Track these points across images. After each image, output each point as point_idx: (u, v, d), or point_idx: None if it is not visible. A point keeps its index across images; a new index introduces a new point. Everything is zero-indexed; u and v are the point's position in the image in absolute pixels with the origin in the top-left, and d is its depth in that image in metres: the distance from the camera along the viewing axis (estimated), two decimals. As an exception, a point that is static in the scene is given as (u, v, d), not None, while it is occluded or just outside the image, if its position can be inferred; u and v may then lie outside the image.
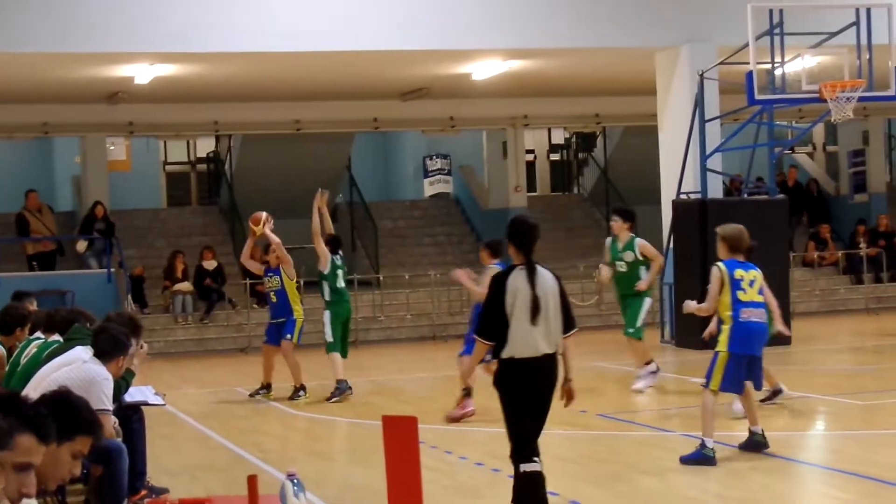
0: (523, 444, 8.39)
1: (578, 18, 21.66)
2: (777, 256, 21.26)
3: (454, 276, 14.23)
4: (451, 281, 14.05)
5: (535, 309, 8.31)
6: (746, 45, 19.47)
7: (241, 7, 20.31)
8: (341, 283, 16.76)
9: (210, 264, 25.52)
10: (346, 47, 20.93)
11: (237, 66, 22.47)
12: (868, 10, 19.78)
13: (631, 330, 16.07)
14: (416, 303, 25.80)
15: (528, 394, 8.41)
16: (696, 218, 21.00)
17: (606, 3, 21.81)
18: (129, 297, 24.43)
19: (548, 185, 35.46)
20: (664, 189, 22.82)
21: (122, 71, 22.18)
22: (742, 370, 11.19)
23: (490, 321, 8.43)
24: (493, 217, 30.29)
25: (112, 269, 24.94)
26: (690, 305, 11.98)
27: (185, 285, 25.18)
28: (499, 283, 8.43)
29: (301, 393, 16.62)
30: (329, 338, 16.53)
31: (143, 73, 22.24)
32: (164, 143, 32.49)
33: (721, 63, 21.15)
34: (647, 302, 16.16)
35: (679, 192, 21.84)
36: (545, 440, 12.56)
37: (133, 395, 10.09)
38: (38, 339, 10.43)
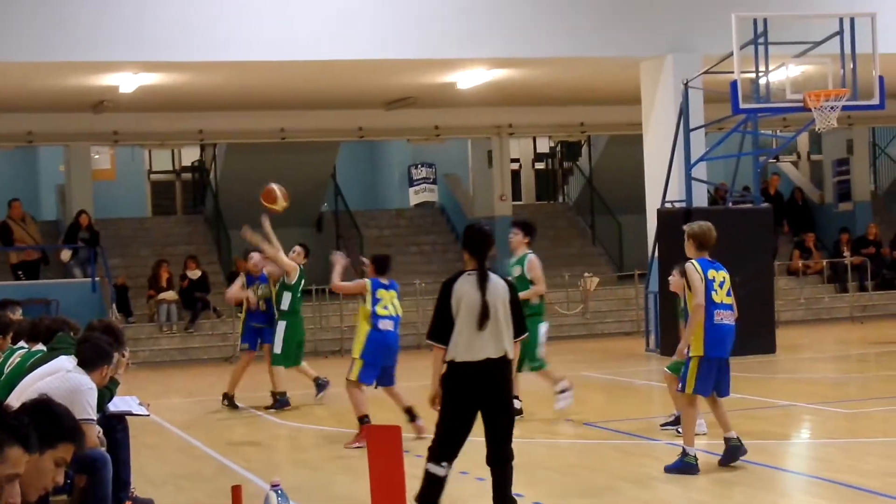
0: (440, 445, 8.42)
1: (563, 28, 21.69)
2: (762, 265, 21.33)
3: (333, 258, 14.12)
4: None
5: (484, 315, 8.36)
6: (731, 54, 19.51)
7: (226, 16, 20.29)
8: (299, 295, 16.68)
9: (194, 273, 25.48)
10: (331, 57, 20.94)
11: (222, 75, 22.46)
12: (852, 20, 19.84)
13: (535, 365, 14.75)
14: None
15: (464, 398, 8.44)
16: (680, 226, 20.95)
17: (591, 13, 21.84)
18: (114, 306, 24.38)
19: (533, 193, 35.48)
20: (649, 198, 22.85)
21: (106, 80, 22.15)
22: (713, 373, 11.13)
23: (438, 325, 8.54)
24: (479, 226, 30.29)
25: (97, 279, 24.89)
26: (680, 349, 11.63)
27: (170, 294, 25.13)
28: (445, 288, 8.55)
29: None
30: (278, 350, 16.52)
31: (127, 82, 22.21)
32: (149, 151, 32.44)
33: (705, 72, 21.19)
34: (542, 328, 14.81)
35: (664, 201, 21.87)
36: (529, 449, 12.57)
37: (117, 404, 10.05)
38: (22, 348, 10.39)
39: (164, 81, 22.50)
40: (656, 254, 22.04)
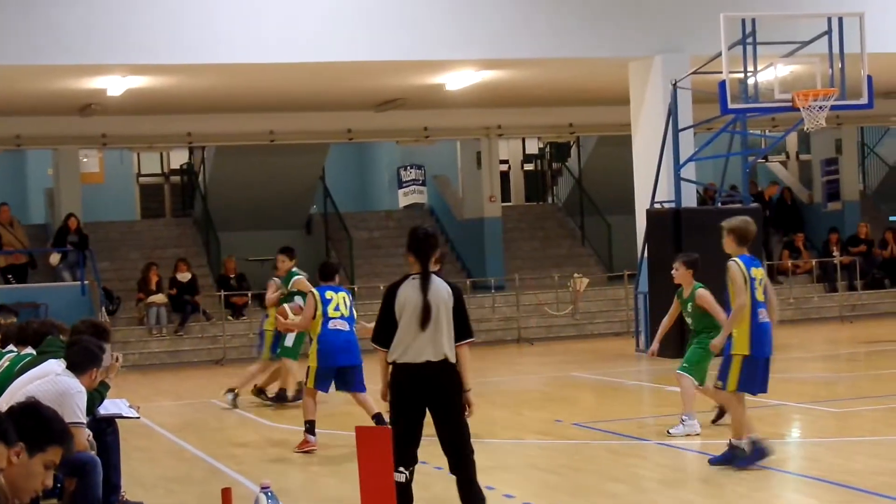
0: (394, 451, 8.41)
1: (551, 29, 21.69)
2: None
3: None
4: None
5: (426, 315, 8.40)
6: (719, 54, 19.53)
7: (215, 19, 20.26)
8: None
9: (184, 276, 25.45)
10: (320, 58, 20.91)
11: (210, 78, 22.43)
12: (840, 20, 19.86)
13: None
14: (391, 313, 25.72)
15: (408, 400, 8.47)
16: (670, 227, 21.04)
17: (579, 14, 21.84)
18: (104, 309, 24.35)
19: (522, 194, 35.48)
20: (638, 198, 22.86)
21: (94, 83, 22.10)
22: (760, 370, 10.89)
23: (381, 328, 8.62)
24: (468, 227, 30.32)
25: (86, 282, 24.87)
26: (717, 343, 11.40)
27: (160, 297, 25.09)
28: (390, 292, 8.63)
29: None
30: (289, 343, 16.71)
31: (115, 85, 22.17)
32: (138, 154, 32.39)
33: (694, 72, 21.21)
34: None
35: (653, 201, 21.89)
36: (520, 449, 12.58)
37: (107, 407, 10.04)
38: (11, 352, 10.38)
39: (152, 84, 22.47)
40: (646, 254, 22.06)
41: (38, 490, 5.08)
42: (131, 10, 19.88)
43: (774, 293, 11.13)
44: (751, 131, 22.85)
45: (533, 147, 35.51)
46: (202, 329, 25.46)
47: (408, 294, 8.56)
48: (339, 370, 13.26)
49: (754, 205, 22.81)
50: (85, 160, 28.93)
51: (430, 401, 8.51)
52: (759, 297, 10.78)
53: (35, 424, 5.04)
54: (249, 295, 25.89)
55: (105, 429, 9.90)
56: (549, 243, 31.48)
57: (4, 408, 5.65)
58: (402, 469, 8.42)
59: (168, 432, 15.27)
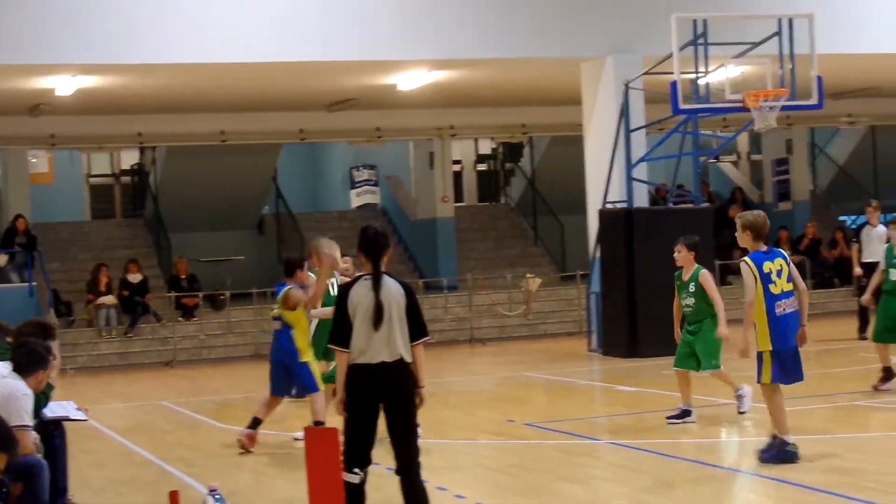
0: (347, 451, 8.41)
1: (504, 29, 21.68)
2: (703, 264, 21.37)
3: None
4: None
5: (379, 315, 8.38)
6: (671, 55, 19.59)
7: (166, 19, 20.11)
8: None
9: (135, 277, 25.27)
10: (272, 58, 20.81)
11: (162, 78, 22.28)
12: (790, 21, 19.96)
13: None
14: (343, 314, 25.64)
15: (362, 400, 8.44)
16: (622, 227, 21.09)
17: (532, 14, 21.85)
18: (52, 310, 24.17)
19: (475, 195, 35.47)
20: (590, 198, 22.88)
21: (43, 83, 21.90)
22: (788, 362, 11.02)
23: (337, 329, 8.59)
24: (421, 227, 30.28)
25: (34, 283, 24.66)
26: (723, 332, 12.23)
27: (110, 298, 24.90)
28: (342, 293, 8.58)
29: None
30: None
31: (65, 85, 21.98)
32: (88, 155, 32.12)
33: (646, 73, 21.26)
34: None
35: (605, 202, 21.92)
36: (472, 449, 12.55)
37: (54, 410, 9.93)
38: (-43, 354, 10.25)
39: (102, 84, 22.29)
40: (598, 254, 22.09)
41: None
42: (81, 10, 19.71)
43: (800, 278, 11.27)
44: (702, 132, 22.93)
45: (486, 147, 35.52)
46: (153, 330, 25.28)
47: (360, 294, 8.52)
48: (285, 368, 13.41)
49: (706, 204, 22.89)
50: (34, 160, 28.69)
51: (384, 401, 8.48)
52: (774, 290, 10.90)
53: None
54: (201, 296, 25.75)
55: (52, 431, 9.80)
56: (501, 243, 31.48)
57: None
58: (356, 470, 8.39)
59: (117, 435, 15.15)
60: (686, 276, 13.31)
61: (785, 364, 11.01)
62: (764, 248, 11.06)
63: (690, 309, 13.28)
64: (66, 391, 10.91)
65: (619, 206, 21.65)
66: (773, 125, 19.63)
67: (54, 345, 9.72)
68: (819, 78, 19.87)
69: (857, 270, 21.44)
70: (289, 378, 13.35)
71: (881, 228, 21.15)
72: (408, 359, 8.51)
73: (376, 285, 8.51)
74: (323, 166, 35.48)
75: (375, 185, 32.03)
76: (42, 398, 9.32)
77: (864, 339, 19.66)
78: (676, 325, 13.68)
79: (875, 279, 15.77)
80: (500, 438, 13.66)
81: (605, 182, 21.94)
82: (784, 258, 11.10)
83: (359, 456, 8.42)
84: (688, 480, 10.64)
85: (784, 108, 19.69)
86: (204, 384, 21.03)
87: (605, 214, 21.82)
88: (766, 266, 10.95)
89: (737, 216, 11.24)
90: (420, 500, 8.52)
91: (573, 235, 28.83)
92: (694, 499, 10.09)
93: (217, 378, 21.80)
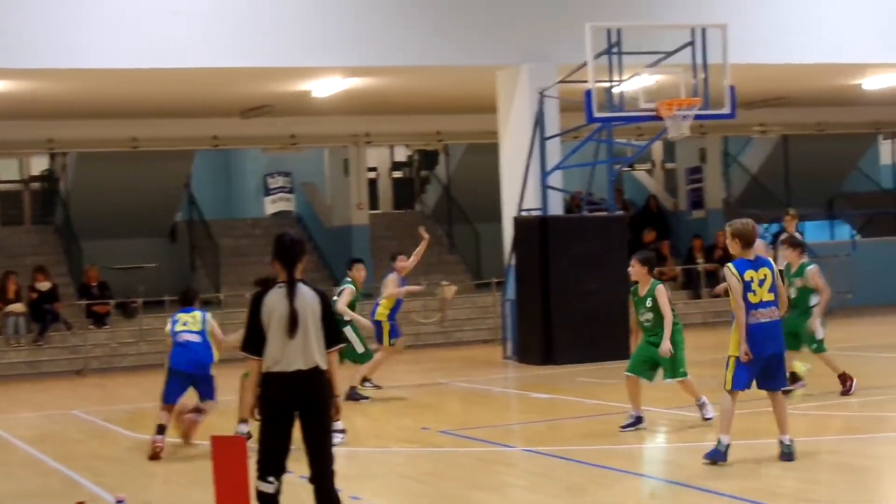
0: (261, 460, 8.36)
1: (419, 36, 21.67)
2: (617, 272, 21.49)
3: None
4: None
5: (293, 323, 8.33)
6: (585, 63, 19.67)
7: (78, 23, 19.87)
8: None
9: (43, 285, 24.92)
10: (184, 64, 20.62)
11: (73, 83, 21.99)
12: (703, 31, 20.12)
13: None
14: (257, 322, 25.46)
15: (278, 409, 8.39)
16: (536, 234, 21.14)
17: (447, 22, 21.86)
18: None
19: (390, 202, 35.43)
20: (505, 206, 22.93)
21: (-49, 87, 21.58)
22: (751, 370, 11.15)
23: (250, 337, 8.52)
24: (336, 235, 30.17)
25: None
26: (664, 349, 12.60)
27: (18, 306, 24.53)
28: (256, 300, 8.52)
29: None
30: (361, 349, 17.22)
31: (-27, 89, 21.66)
32: (-4, 161, 31.70)
33: (561, 81, 21.34)
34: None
35: (520, 209, 21.97)
36: (386, 457, 12.48)
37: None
38: None
39: (11, 88, 21.97)
40: (513, 262, 22.12)
41: None
42: (-11, 13, 19.43)
43: (784, 288, 11.56)
44: (616, 140, 23.06)
45: (401, 155, 35.51)
46: (63, 338, 24.94)
47: (274, 302, 8.45)
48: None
49: (620, 212, 23.01)
50: (-59, 166, 28.25)
51: (300, 409, 8.40)
52: (752, 299, 11.08)
53: None
54: (112, 304, 25.44)
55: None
56: (416, 251, 31.40)
57: None
58: (271, 479, 8.31)
59: (25, 444, 14.91)
60: (643, 292, 13.40)
61: (744, 371, 11.16)
62: (751, 256, 11.24)
63: (650, 323, 13.31)
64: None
65: (533, 213, 21.71)
66: (686, 134, 19.77)
67: None
68: (732, 87, 20.06)
69: None
70: None
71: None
72: (323, 366, 8.45)
73: (291, 293, 8.44)
74: (237, 173, 35.25)
75: (290, 192, 31.86)
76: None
77: None
78: (633, 339, 13.75)
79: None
80: (415, 446, 13.60)
81: (520, 190, 21.99)
82: (771, 269, 11.26)
83: (273, 464, 8.34)
84: (600, 486, 10.66)
85: (697, 117, 19.86)
86: (115, 393, 20.78)
87: (519, 222, 21.86)
88: (749, 274, 11.14)
89: (727, 225, 11.51)
90: None
91: (488, 243, 28.85)
92: (607, 505, 10.10)
93: (129, 386, 21.55)
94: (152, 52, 20.22)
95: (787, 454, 11.11)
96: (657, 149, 35.31)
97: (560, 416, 15.28)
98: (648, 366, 13.39)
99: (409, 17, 21.69)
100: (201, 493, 10.97)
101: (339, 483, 8.49)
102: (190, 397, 13.94)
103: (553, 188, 21.81)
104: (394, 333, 18.06)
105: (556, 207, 22.23)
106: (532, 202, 21.89)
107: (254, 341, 8.50)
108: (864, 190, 37.42)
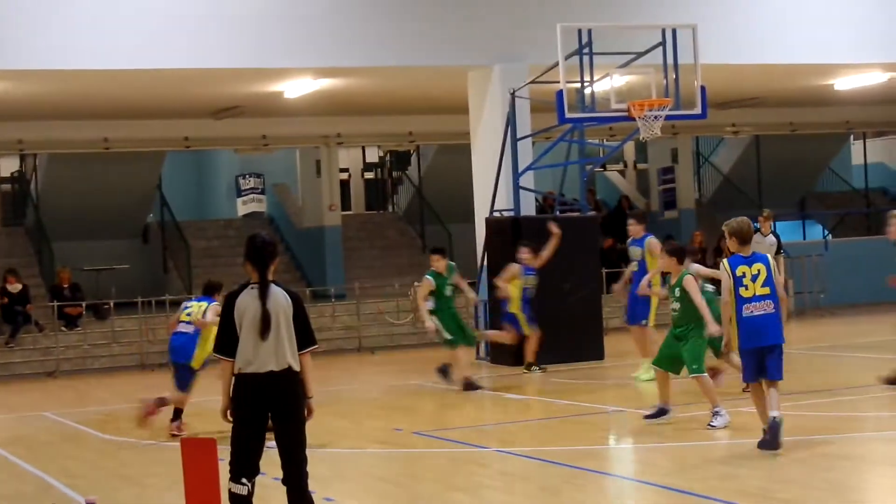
0: (234, 461, 8.37)
1: (390, 37, 21.66)
2: (589, 272, 21.59)
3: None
4: None
5: (265, 325, 8.34)
6: (557, 64, 19.69)
7: (48, 24, 19.77)
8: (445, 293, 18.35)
9: (14, 287, 24.78)
10: (155, 65, 20.55)
11: (43, 84, 21.89)
12: (674, 31, 20.15)
13: None
14: (230, 323, 25.40)
15: (250, 410, 8.40)
16: (508, 235, 21.14)
17: (417, 22, 21.85)
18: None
19: (362, 203, 35.43)
20: (477, 207, 22.93)
21: (-81, 88, 21.46)
22: (753, 361, 11.62)
23: (222, 338, 8.54)
24: (308, 236, 30.15)
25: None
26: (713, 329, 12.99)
27: (-11, 308, 24.40)
28: (229, 302, 8.55)
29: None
30: (447, 336, 17.93)
31: (-58, 90, 21.54)
32: (-34, 162, 31.57)
33: (532, 82, 21.35)
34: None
35: (492, 210, 21.98)
36: (359, 458, 12.48)
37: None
38: None
39: (-20, 89, 21.89)
40: (485, 262, 22.13)
41: None
42: (-42, 14, 19.33)
43: (780, 285, 11.84)
44: (588, 140, 23.10)
45: (373, 155, 35.51)
46: (34, 341, 24.81)
47: (246, 303, 8.46)
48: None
49: (592, 213, 23.05)
50: None
51: (272, 410, 8.40)
52: (745, 293, 11.52)
53: None
54: (84, 305, 25.33)
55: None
56: (389, 252, 31.45)
57: None
58: (244, 481, 8.31)
59: (-3, 447, 14.84)
60: (673, 281, 13.52)
61: (750, 364, 11.65)
62: (747, 252, 11.66)
63: (677, 313, 13.43)
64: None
65: (506, 214, 21.72)
66: (658, 134, 19.81)
67: None
68: (703, 88, 20.10)
69: None
70: None
71: (771, 238, 21.58)
72: (296, 367, 8.45)
73: (263, 294, 8.45)
74: (209, 174, 35.19)
75: (262, 193, 31.83)
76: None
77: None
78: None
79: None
80: (388, 447, 13.60)
81: (492, 190, 22.00)
82: (766, 263, 11.64)
83: (246, 466, 8.34)
84: (572, 487, 10.67)
85: (669, 117, 19.89)
86: (88, 394, 20.70)
87: (492, 223, 21.88)
88: (741, 269, 11.58)
89: (724, 224, 11.98)
90: None
91: (461, 244, 28.88)
92: (581, 506, 10.13)
93: (101, 388, 21.46)
94: (123, 53, 20.14)
95: (773, 427, 11.41)
96: (629, 149, 35.41)
97: (533, 416, 15.30)
98: (673, 360, 13.43)
99: (380, 17, 21.68)
100: (174, 496, 10.95)
101: (313, 484, 8.48)
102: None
103: (525, 189, 21.83)
104: (531, 321, 19.08)
105: (529, 208, 22.25)
106: (504, 203, 21.90)
107: (226, 342, 8.51)
108: (836, 190, 37.67)
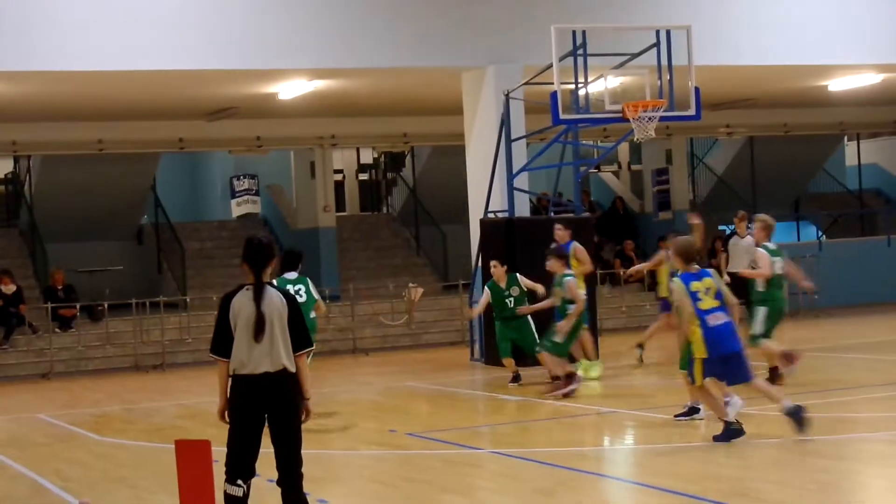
0: (230, 462, 8.39)
1: (384, 38, 21.66)
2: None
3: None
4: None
5: (260, 326, 8.35)
6: (551, 65, 19.68)
7: (40, 25, 19.77)
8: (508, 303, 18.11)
9: (9, 288, 24.75)
10: (150, 66, 20.54)
11: (37, 85, 21.86)
12: (668, 32, 20.15)
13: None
14: (224, 325, 25.37)
15: (246, 411, 8.42)
16: (503, 236, 21.14)
17: (412, 24, 21.85)
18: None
19: (357, 204, 35.41)
20: (472, 208, 22.94)
21: (-88, 89, 21.43)
22: (718, 367, 12.11)
23: (218, 339, 8.56)
24: (302, 237, 30.12)
25: None
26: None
27: (-17, 310, 24.36)
28: (224, 302, 8.57)
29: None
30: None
31: (-64, 92, 21.51)
32: (-40, 164, 31.51)
33: (526, 83, 21.35)
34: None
35: (487, 211, 21.98)
36: (353, 460, 12.48)
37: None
38: None
39: (-26, 91, 21.86)
40: (480, 263, 22.12)
41: None
42: (-48, 15, 19.30)
43: (731, 294, 12.37)
44: (582, 142, 23.10)
45: (367, 157, 35.49)
46: (28, 342, 24.79)
47: (242, 304, 8.47)
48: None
49: (586, 214, 23.04)
50: None
51: (269, 411, 8.41)
52: (703, 306, 12.08)
53: None
54: (78, 307, 25.30)
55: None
56: (383, 253, 31.43)
57: None
58: (240, 482, 8.32)
59: (-9, 449, 14.82)
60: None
61: (714, 370, 12.11)
62: (695, 269, 12.24)
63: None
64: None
65: (500, 215, 21.72)
66: (652, 135, 19.81)
67: None
68: (697, 89, 20.10)
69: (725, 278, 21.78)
70: None
71: (748, 239, 21.54)
72: (291, 369, 8.46)
73: (258, 296, 8.46)
74: (203, 176, 35.15)
75: (256, 194, 31.80)
76: None
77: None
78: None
79: None
80: (382, 449, 13.60)
81: (486, 192, 22.00)
82: (712, 277, 12.24)
83: (242, 467, 8.35)
84: (568, 489, 10.67)
85: (663, 118, 19.87)
86: (81, 396, 20.67)
87: (486, 224, 21.88)
88: (694, 285, 12.14)
89: (668, 241, 13.11)
90: None
91: (455, 245, 28.91)
92: (575, 507, 10.12)
93: (95, 390, 21.44)
94: (117, 55, 20.13)
95: (794, 412, 12.04)
96: (623, 150, 35.41)
97: (528, 418, 15.30)
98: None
99: (375, 18, 21.67)
100: (168, 498, 10.94)
101: (307, 486, 8.49)
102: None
103: (520, 190, 21.83)
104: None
105: (523, 209, 22.25)
106: (499, 204, 21.90)
107: (221, 343, 8.51)
108: (830, 191, 37.67)
